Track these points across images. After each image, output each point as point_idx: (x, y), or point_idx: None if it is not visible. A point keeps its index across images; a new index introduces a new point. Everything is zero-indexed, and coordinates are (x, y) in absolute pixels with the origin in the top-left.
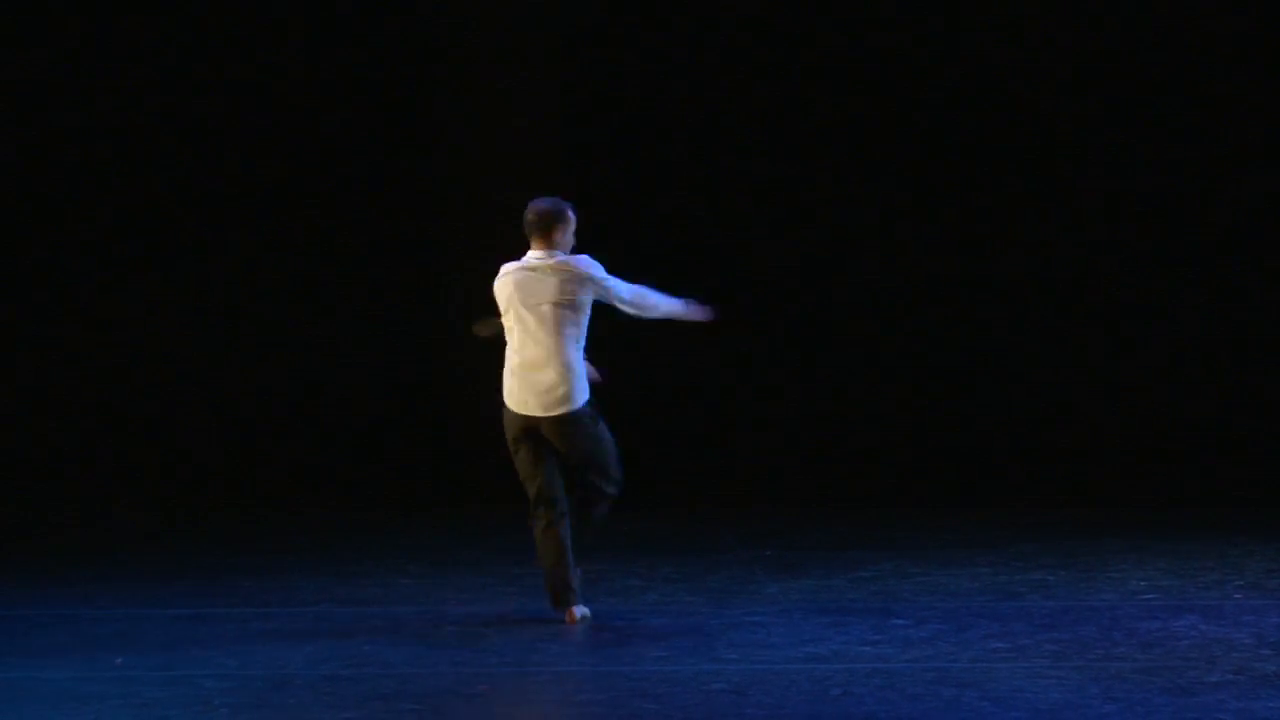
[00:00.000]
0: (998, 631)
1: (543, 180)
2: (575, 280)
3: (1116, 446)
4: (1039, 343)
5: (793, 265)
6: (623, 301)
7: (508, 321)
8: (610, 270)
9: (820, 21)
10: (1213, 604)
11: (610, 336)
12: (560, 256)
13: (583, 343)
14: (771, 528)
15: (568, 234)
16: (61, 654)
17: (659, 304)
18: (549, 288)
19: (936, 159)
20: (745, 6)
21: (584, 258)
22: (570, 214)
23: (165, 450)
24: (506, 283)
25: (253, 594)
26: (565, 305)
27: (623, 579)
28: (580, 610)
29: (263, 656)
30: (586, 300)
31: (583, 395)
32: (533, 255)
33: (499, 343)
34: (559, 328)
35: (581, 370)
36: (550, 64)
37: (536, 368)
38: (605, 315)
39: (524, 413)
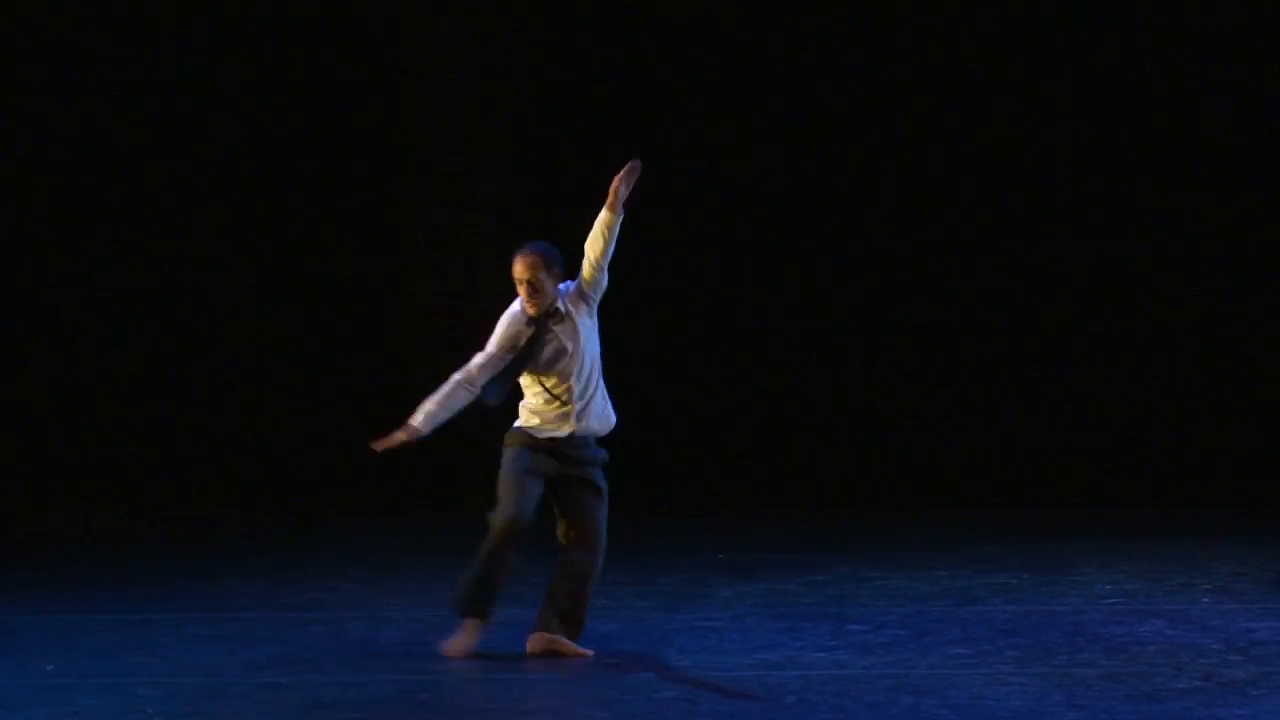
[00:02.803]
0: (958, 637)
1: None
2: None
3: (1079, 447)
4: (1000, 343)
5: (747, 268)
6: None
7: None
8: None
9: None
10: (1180, 608)
11: None
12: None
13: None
14: (725, 530)
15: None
16: None
17: None
18: None
19: (892, 152)
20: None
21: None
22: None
23: (100, 454)
24: None
25: (188, 598)
26: None
27: None
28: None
29: (198, 663)
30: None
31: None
32: None
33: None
34: None
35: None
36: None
37: None
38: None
39: None
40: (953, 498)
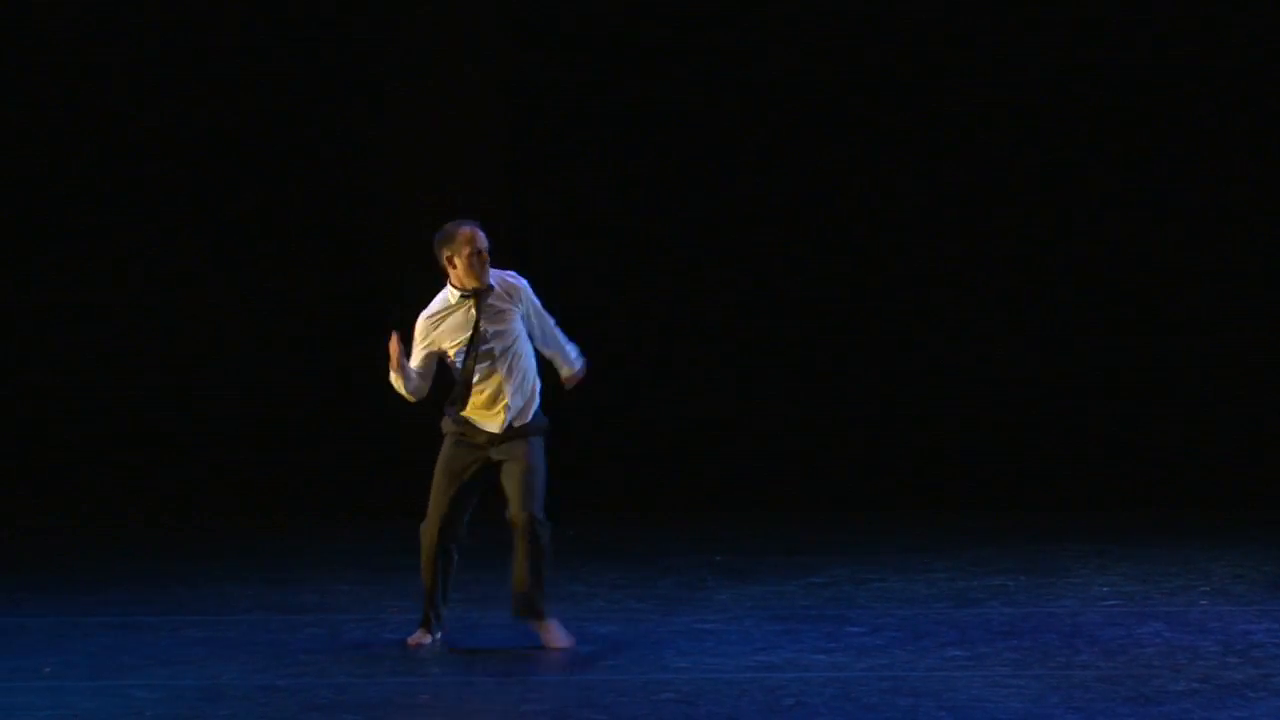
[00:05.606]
0: (956, 639)
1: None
2: None
3: (1077, 448)
4: (996, 345)
5: (744, 272)
6: None
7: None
8: None
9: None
10: (1177, 610)
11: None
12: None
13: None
14: (722, 532)
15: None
16: None
17: None
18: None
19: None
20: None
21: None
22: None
23: (92, 455)
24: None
25: (184, 601)
26: None
27: (568, 585)
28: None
29: (196, 666)
30: None
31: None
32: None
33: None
34: None
35: None
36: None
37: None
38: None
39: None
40: (950, 500)
